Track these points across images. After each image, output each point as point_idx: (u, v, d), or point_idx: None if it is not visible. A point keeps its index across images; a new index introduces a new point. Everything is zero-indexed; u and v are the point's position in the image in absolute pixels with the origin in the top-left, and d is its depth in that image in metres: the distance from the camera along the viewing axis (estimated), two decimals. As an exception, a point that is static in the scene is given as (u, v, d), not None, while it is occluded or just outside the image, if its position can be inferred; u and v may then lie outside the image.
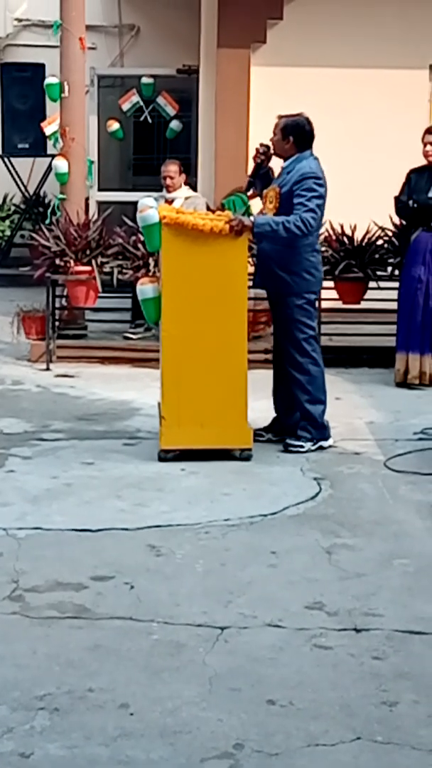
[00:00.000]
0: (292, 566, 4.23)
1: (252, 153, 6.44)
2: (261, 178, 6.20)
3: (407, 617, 3.77)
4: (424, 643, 3.58)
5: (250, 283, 5.80)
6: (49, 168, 10.37)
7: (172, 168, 8.46)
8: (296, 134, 5.76)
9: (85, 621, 3.70)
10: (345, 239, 8.04)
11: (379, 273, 8.00)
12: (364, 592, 3.98)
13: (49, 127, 9.53)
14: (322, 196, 5.69)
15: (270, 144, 6.01)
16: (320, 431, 5.85)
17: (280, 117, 5.88)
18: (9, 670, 3.35)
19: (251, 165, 6.50)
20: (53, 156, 9.12)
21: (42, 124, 9.99)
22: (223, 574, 4.14)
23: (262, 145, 6.19)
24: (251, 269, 5.92)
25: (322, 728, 3.05)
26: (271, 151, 6.05)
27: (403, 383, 7.37)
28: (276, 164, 6.05)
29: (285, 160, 5.83)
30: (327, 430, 5.89)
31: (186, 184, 8.54)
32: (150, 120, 10.89)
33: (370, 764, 2.89)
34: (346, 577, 4.13)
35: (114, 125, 10.79)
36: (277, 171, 6.04)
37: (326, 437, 5.87)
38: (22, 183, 11.61)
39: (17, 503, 4.91)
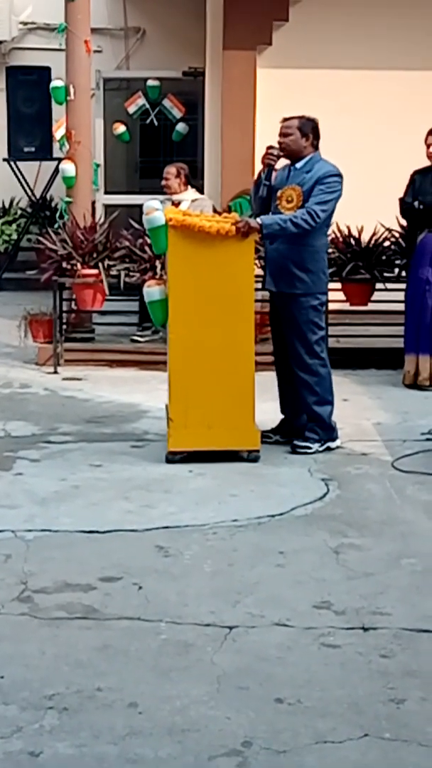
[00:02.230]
0: (299, 566, 4.24)
1: (258, 155, 6.41)
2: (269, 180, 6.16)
3: (415, 616, 3.78)
4: (432, 642, 3.59)
5: (258, 285, 5.81)
6: (56, 171, 10.39)
7: (170, 170, 8.48)
8: (314, 133, 5.80)
9: (94, 621, 3.72)
10: (352, 241, 8.05)
11: (386, 274, 8.01)
12: (372, 592, 3.99)
13: (59, 131, 9.56)
14: (340, 196, 5.74)
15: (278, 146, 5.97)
16: (328, 432, 5.86)
17: (285, 119, 5.88)
18: (18, 670, 3.36)
19: (258, 168, 6.47)
20: (59, 159, 9.15)
21: (53, 128, 10.01)
22: (230, 574, 4.16)
23: (272, 147, 6.12)
24: (258, 271, 5.92)
25: (330, 726, 3.06)
26: (281, 154, 6.01)
27: (414, 385, 7.37)
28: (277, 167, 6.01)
29: (296, 162, 5.82)
30: (334, 431, 5.90)
31: (187, 185, 8.52)
32: (156, 123, 10.92)
33: (378, 761, 2.90)
34: (354, 576, 4.14)
35: (120, 128, 10.82)
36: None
37: (334, 438, 5.88)
38: (29, 186, 11.64)
39: (26, 505, 4.93)
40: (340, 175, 5.74)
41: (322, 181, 5.68)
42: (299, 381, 5.88)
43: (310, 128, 5.79)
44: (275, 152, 5.89)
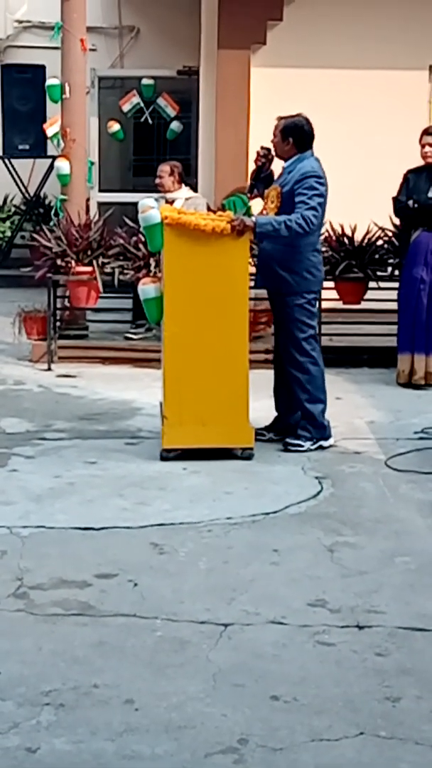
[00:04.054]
0: (294, 564, 4.25)
1: (252, 154, 6.46)
2: (263, 180, 6.21)
3: (409, 614, 3.80)
4: (427, 640, 3.61)
5: (252, 283, 5.82)
6: (50, 169, 10.40)
7: (163, 168, 8.49)
8: (296, 135, 5.80)
9: (90, 618, 3.73)
10: (345, 239, 8.07)
11: (379, 273, 8.03)
12: (366, 590, 4.00)
13: (51, 129, 9.55)
14: (323, 195, 5.72)
15: (271, 146, 6.04)
16: (320, 431, 5.87)
17: (280, 119, 5.91)
18: (15, 666, 3.37)
19: (252, 166, 6.52)
20: (54, 157, 9.15)
21: (44, 126, 10.01)
22: (225, 571, 4.17)
23: (263, 148, 6.20)
24: (252, 269, 5.94)
25: (326, 723, 3.07)
26: (272, 154, 6.08)
27: (408, 383, 7.39)
28: (278, 166, 6.07)
29: (286, 161, 5.87)
30: (327, 430, 5.92)
31: (181, 183, 8.53)
32: (150, 121, 10.92)
33: (373, 759, 2.92)
34: (348, 574, 4.16)
35: (114, 126, 10.81)
36: (277, 173, 6.07)
37: (326, 437, 5.90)
38: (23, 184, 11.63)
39: (21, 502, 4.93)
40: (319, 176, 5.70)
41: (299, 183, 5.67)
42: (291, 378, 5.90)
43: (292, 130, 5.80)
44: (263, 153, 5.99)
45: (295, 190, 5.67)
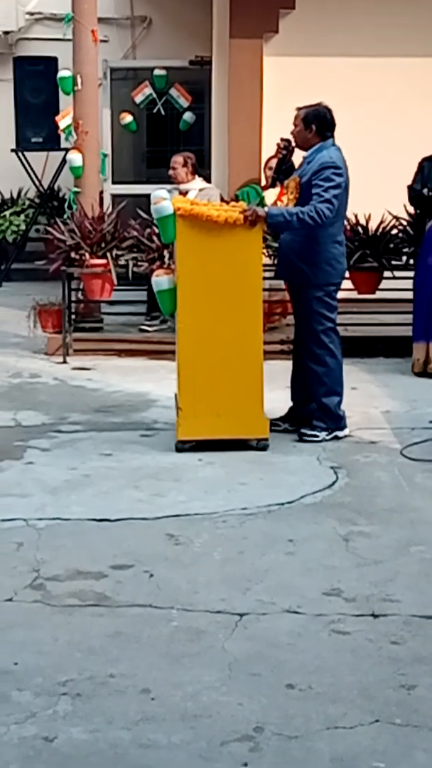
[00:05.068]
0: (309, 554, 4.26)
1: (266, 144, 6.44)
2: (284, 172, 6.16)
3: (424, 603, 3.80)
4: (442, 628, 3.61)
5: (266, 274, 5.81)
6: (63, 162, 10.39)
7: (176, 159, 8.49)
8: (318, 123, 5.76)
9: (106, 609, 3.75)
10: (360, 229, 8.05)
11: (394, 263, 8.01)
12: (382, 579, 4.01)
13: (63, 121, 9.55)
14: (340, 186, 5.64)
15: (290, 138, 5.99)
16: (335, 422, 5.87)
17: (299, 108, 5.88)
18: (32, 656, 3.40)
19: (265, 156, 6.50)
20: (67, 150, 9.15)
21: (56, 118, 10.02)
22: (241, 561, 4.18)
23: (282, 139, 6.13)
24: (267, 260, 5.93)
25: (341, 711, 3.08)
26: (293, 145, 6.03)
27: (423, 372, 7.38)
28: (298, 158, 6.03)
29: (307, 150, 5.82)
30: (342, 421, 5.91)
31: (194, 174, 8.52)
32: (163, 112, 10.91)
33: (388, 746, 2.93)
34: (364, 563, 4.16)
35: (127, 118, 10.81)
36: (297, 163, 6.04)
37: (341, 427, 5.89)
38: (36, 177, 11.64)
39: (37, 494, 4.96)
40: (337, 167, 5.64)
41: (316, 174, 5.62)
42: (308, 370, 5.89)
43: (314, 118, 5.77)
44: (283, 144, 5.94)
45: (312, 181, 5.64)
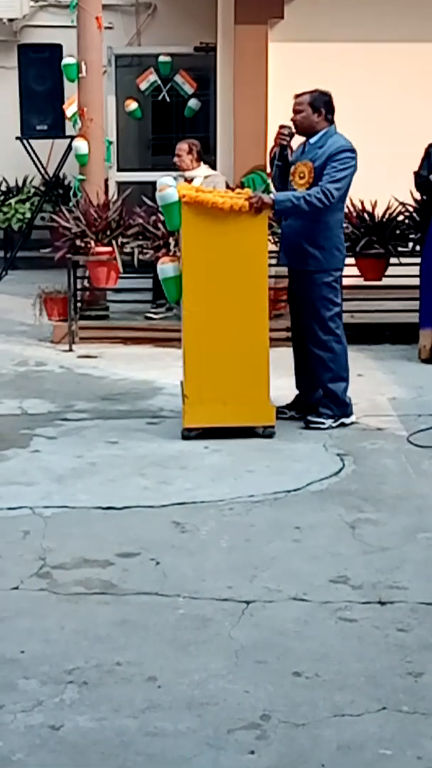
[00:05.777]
0: (316, 541, 4.25)
1: (271, 130, 6.38)
2: (285, 159, 6.11)
3: (431, 590, 3.79)
4: (449, 615, 3.61)
5: (272, 261, 5.78)
6: (68, 149, 10.37)
7: (181, 146, 8.47)
8: (326, 106, 5.74)
9: (112, 597, 3.75)
10: (366, 215, 8.01)
11: (400, 249, 7.98)
12: (388, 566, 4.00)
13: (70, 108, 9.50)
14: (355, 169, 5.68)
15: (291, 125, 5.93)
16: (342, 408, 5.86)
17: (297, 95, 5.84)
18: (38, 645, 3.40)
19: (270, 143, 6.44)
20: (72, 137, 9.12)
21: (63, 106, 9.98)
22: (247, 549, 4.18)
23: (284, 126, 6.08)
24: (272, 247, 5.90)
25: (348, 699, 3.08)
26: (294, 131, 5.97)
27: (430, 359, 7.36)
28: (294, 144, 5.98)
29: (311, 137, 5.79)
30: (349, 407, 5.90)
31: (200, 161, 8.49)
32: (168, 99, 10.88)
33: (395, 734, 2.92)
34: (370, 551, 4.15)
35: (132, 105, 10.78)
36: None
37: (348, 414, 5.88)
38: (42, 165, 11.60)
39: (43, 482, 4.96)
40: (352, 150, 5.68)
41: (334, 158, 5.63)
42: (314, 357, 5.87)
43: (321, 103, 5.75)
44: (287, 131, 5.88)
45: (328, 164, 5.62)
